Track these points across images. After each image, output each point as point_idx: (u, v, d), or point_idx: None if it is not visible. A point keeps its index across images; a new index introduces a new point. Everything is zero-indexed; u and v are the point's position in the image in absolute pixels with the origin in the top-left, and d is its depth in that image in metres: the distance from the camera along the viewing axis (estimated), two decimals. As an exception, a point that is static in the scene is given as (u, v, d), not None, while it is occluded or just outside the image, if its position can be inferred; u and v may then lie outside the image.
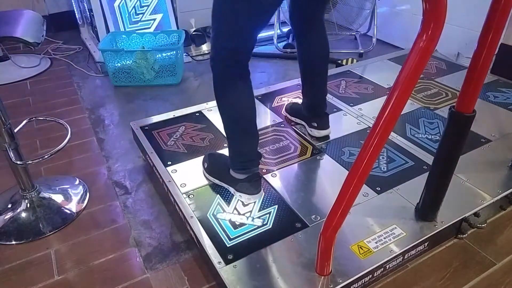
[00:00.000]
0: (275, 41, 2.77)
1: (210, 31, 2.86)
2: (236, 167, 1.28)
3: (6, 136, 1.31)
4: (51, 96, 2.27)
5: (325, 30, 1.47)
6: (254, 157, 1.28)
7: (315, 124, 1.57)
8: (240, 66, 1.15)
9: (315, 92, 1.56)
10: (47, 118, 1.78)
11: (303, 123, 1.65)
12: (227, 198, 1.30)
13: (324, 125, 1.57)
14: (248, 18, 1.06)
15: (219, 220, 1.22)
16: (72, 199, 1.51)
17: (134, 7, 2.57)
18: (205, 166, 1.41)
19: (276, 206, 1.27)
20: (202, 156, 1.47)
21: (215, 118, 1.73)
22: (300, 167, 1.45)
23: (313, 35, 1.45)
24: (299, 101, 1.87)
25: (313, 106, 1.58)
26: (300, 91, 1.62)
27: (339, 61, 2.48)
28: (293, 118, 1.71)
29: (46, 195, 1.48)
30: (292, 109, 1.73)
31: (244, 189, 1.28)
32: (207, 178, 1.39)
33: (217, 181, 1.36)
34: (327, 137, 1.59)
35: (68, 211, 1.45)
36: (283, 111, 1.77)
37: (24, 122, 1.47)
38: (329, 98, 1.89)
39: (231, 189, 1.32)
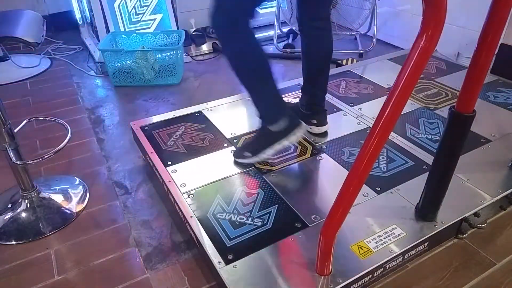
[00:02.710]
0: (275, 41, 2.77)
1: (210, 31, 2.89)
2: (276, 118, 1.32)
3: (6, 136, 1.31)
4: (51, 96, 2.27)
5: (331, 28, 1.47)
6: (283, 101, 1.35)
7: (315, 121, 1.58)
8: (241, 21, 1.18)
9: (316, 89, 1.57)
10: (47, 118, 1.78)
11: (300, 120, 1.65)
12: (227, 198, 1.30)
13: (323, 121, 1.59)
14: None
15: (219, 220, 1.22)
16: (72, 199, 1.51)
17: (134, 7, 2.57)
18: (250, 155, 1.41)
19: (276, 206, 1.27)
20: (203, 156, 1.48)
21: (215, 118, 1.73)
22: (300, 167, 1.45)
23: (319, 32, 1.46)
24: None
25: (313, 103, 1.59)
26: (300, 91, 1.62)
27: (339, 61, 2.48)
28: None
29: (46, 195, 1.48)
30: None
31: (294, 128, 1.34)
32: (261, 162, 1.42)
33: (270, 151, 1.37)
34: (326, 133, 1.60)
35: (68, 211, 1.45)
36: None
37: (24, 122, 1.47)
38: (329, 98, 1.89)
39: (294, 137, 1.35)
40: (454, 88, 1.96)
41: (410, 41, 0.73)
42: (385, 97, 0.78)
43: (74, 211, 1.45)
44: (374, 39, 2.71)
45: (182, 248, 1.29)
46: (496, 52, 1.03)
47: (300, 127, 1.37)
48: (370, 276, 1.09)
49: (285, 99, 1.86)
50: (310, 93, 1.59)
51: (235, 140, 1.58)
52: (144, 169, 1.66)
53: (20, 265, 1.25)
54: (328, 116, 1.61)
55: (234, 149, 1.51)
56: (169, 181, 1.37)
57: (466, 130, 1.04)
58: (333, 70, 2.19)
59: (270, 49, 2.77)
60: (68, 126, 1.52)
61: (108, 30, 2.50)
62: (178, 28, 2.67)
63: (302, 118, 1.60)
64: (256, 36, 1.23)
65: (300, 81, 2.05)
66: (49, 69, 2.59)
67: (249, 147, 1.44)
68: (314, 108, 1.59)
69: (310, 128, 1.59)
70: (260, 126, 1.41)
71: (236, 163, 1.45)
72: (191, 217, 1.22)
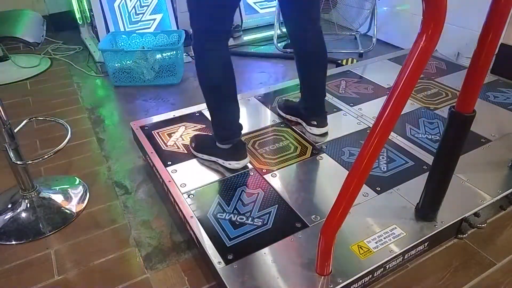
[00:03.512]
0: (275, 41, 2.77)
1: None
2: (220, 138, 1.39)
3: (6, 136, 1.31)
4: (51, 96, 2.27)
5: (321, 29, 1.45)
6: (236, 129, 1.39)
7: (315, 123, 1.58)
8: (216, 42, 1.24)
9: (315, 93, 1.57)
10: (47, 118, 1.78)
11: (299, 121, 1.66)
12: (227, 198, 1.30)
13: (323, 122, 1.59)
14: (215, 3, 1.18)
15: (219, 220, 1.22)
16: (72, 199, 1.51)
17: (134, 7, 2.57)
18: (193, 146, 1.49)
19: (276, 206, 1.27)
20: (201, 156, 1.48)
21: (215, 118, 1.73)
22: (300, 167, 1.45)
23: (308, 35, 1.44)
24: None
25: (312, 106, 1.59)
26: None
27: (339, 61, 2.48)
28: (288, 116, 1.70)
29: (46, 195, 1.48)
30: (287, 106, 1.72)
31: (231, 157, 1.40)
32: (196, 156, 1.47)
33: (206, 157, 1.46)
34: (326, 133, 1.60)
35: (68, 211, 1.45)
36: (276, 108, 1.76)
37: (24, 122, 1.47)
38: (329, 98, 1.89)
39: (220, 161, 1.43)
40: (454, 88, 1.96)
41: (410, 41, 0.73)
42: (385, 97, 0.78)
43: (74, 211, 1.45)
44: (374, 39, 2.71)
45: (182, 248, 1.29)
46: (496, 52, 1.03)
47: (238, 163, 1.41)
48: (370, 276, 1.09)
49: (285, 99, 1.86)
50: (309, 96, 1.59)
51: (235, 140, 1.58)
52: (144, 169, 1.66)
53: (20, 265, 1.25)
54: (328, 116, 1.61)
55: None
56: (169, 181, 1.37)
57: (466, 130, 1.04)
58: (333, 70, 2.19)
59: (270, 49, 2.77)
60: (68, 126, 1.52)
61: (108, 30, 2.50)
62: (178, 28, 2.67)
63: (302, 119, 1.63)
64: (228, 58, 1.28)
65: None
66: (49, 69, 2.60)
67: (198, 140, 1.51)
68: (313, 110, 1.59)
69: (310, 129, 1.59)
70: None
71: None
72: (191, 217, 1.22)
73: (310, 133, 1.60)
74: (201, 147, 1.48)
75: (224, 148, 1.40)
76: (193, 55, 1.31)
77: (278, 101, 1.79)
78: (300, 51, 1.50)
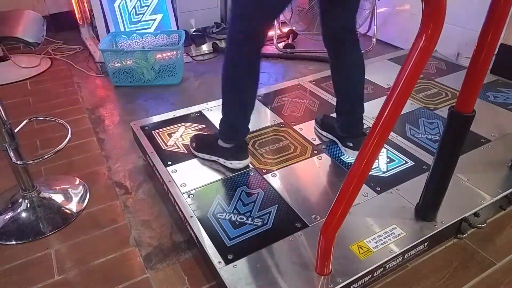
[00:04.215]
0: (275, 41, 2.77)
1: (210, 31, 2.89)
2: (226, 137, 1.38)
3: (6, 136, 1.31)
4: (51, 96, 2.27)
5: (359, 43, 1.37)
6: (245, 131, 1.39)
7: (351, 145, 1.46)
8: (253, 49, 1.21)
9: (352, 111, 1.45)
10: (47, 118, 1.78)
11: (335, 139, 1.55)
12: (227, 198, 1.30)
13: (360, 145, 1.48)
14: (262, 4, 1.14)
15: (219, 220, 1.22)
16: (72, 199, 1.51)
17: (134, 7, 2.57)
18: (193, 145, 1.49)
19: (276, 206, 1.27)
20: (202, 156, 1.48)
21: (215, 118, 1.73)
22: (300, 167, 1.45)
23: (348, 52, 1.37)
24: (299, 102, 1.87)
25: (350, 125, 1.47)
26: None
27: (339, 61, 2.47)
28: (324, 133, 1.60)
29: (46, 195, 1.48)
30: (324, 123, 1.61)
31: (233, 156, 1.39)
32: (197, 156, 1.47)
33: (207, 156, 1.45)
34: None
35: (68, 211, 1.45)
36: (314, 122, 1.66)
37: (24, 122, 1.47)
38: (329, 98, 1.89)
39: (221, 160, 1.42)
40: (454, 88, 1.96)
41: (410, 41, 0.73)
42: (385, 97, 0.78)
43: (74, 211, 1.45)
44: (374, 39, 2.71)
45: (182, 248, 1.29)
46: (495, 52, 1.03)
47: (239, 162, 1.40)
48: (370, 276, 1.09)
49: (285, 99, 1.86)
50: (346, 114, 1.47)
51: (235, 140, 1.58)
52: (144, 169, 1.66)
53: (20, 265, 1.25)
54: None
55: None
56: (169, 181, 1.37)
57: (466, 130, 1.04)
58: (333, 70, 2.19)
59: (270, 49, 2.77)
60: (68, 126, 1.52)
61: (108, 30, 2.50)
62: (178, 28, 2.67)
63: (338, 139, 1.53)
64: (259, 60, 1.25)
65: (300, 81, 2.06)
66: (49, 69, 2.59)
67: (198, 140, 1.50)
68: (350, 131, 1.47)
69: (345, 151, 1.48)
70: (217, 132, 1.43)
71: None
72: (191, 217, 1.23)
73: (343, 153, 1.49)
74: (202, 147, 1.47)
75: (226, 147, 1.39)
76: (232, 44, 1.24)
77: (317, 115, 1.68)
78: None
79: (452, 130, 1.05)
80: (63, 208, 1.47)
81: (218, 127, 1.41)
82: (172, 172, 1.42)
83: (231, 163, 1.40)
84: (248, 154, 1.43)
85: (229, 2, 2.96)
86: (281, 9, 1.25)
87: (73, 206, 1.47)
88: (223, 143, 1.39)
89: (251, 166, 1.44)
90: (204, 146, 1.47)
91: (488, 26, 0.89)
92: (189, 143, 1.53)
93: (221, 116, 1.37)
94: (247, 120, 1.36)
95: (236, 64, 1.25)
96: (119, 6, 2.54)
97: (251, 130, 1.63)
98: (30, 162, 1.37)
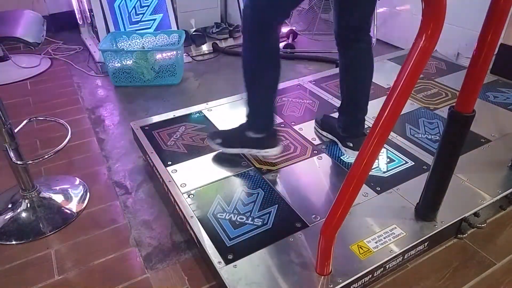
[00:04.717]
0: (275, 41, 2.76)
1: (210, 31, 2.89)
2: (257, 128, 1.39)
3: (6, 136, 1.31)
4: (51, 96, 2.27)
5: (371, 43, 1.39)
6: (274, 118, 1.39)
7: (351, 145, 1.46)
8: (269, 38, 1.22)
9: (356, 111, 1.46)
10: (47, 118, 1.78)
11: (335, 140, 1.55)
12: (227, 198, 1.30)
13: (360, 145, 1.49)
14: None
15: (219, 220, 1.22)
16: (72, 199, 1.51)
17: (134, 7, 2.57)
18: (220, 142, 1.46)
19: (276, 206, 1.27)
20: (203, 156, 1.48)
21: (215, 118, 1.73)
22: (300, 167, 1.45)
23: (360, 53, 1.39)
24: (299, 102, 1.87)
25: (351, 126, 1.48)
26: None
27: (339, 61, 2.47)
28: (324, 133, 1.60)
29: (46, 195, 1.48)
30: (325, 123, 1.61)
31: (267, 145, 1.40)
32: (225, 153, 1.45)
33: (237, 150, 1.45)
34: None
35: (68, 211, 1.45)
36: (314, 122, 1.67)
37: (24, 122, 1.47)
38: (329, 98, 1.89)
39: (254, 151, 1.42)
40: (454, 88, 1.96)
41: (410, 41, 0.73)
42: (385, 97, 0.78)
43: (74, 211, 1.45)
44: (374, 39, 2.71)
45: (182, 248, 1.29)
46: (495, 52, 1.03)
47: (272, 150, 1.42)
48: (370, 276, 1.09)
49: (285, 99, 1.86)
50: (349, 114, 1.47)
51: (235, 140, 1.58)
52: (144, 169, 1.66)
53: (20, 265, 1.25)
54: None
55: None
56: (169, 181, 1.37)
57: (466, 130, 1.04)
58: (332, 70, 2.19)
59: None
60: (68, 126, 1.52)
61: (108, 30, 2.50)
62: (178, 28, 2.67)
63: (338, 139, 1.54)
64: (278, 47, 1.27)
65: (300, 81, 2.06)
66: (49, 69, 2.59)
67: (223, 136, 1.48)
68: (351, 131, 1.48)
69: (345, 151, 1.48)
70: (244, 124, 1.43)
71: (229, 160, 1.47)
72: (191, 217, 1.23)
73: (343, 153, 1.50)
74: (230, 141, 1.45)
75: (258, 137, 1.40)
76: (245, 35, 1.26)
77: (316, 115, 1.70)
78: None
79: (452, 130, 1.05)
80: (63, 208, 1.47)
81: (246, 120, 1.41)
82: (172, 172, 1.42)
83: (266, 152, 1.41)
84: (279, 141, 1.45)
85: (230, 2, 2.97)
86: (295, 5, 1.26)
87: (73, 206, 1.47)
88: (255, 134, 1.39)
89: (251, 166, 1.44)
90: (233, 140, 1.45)
91: (488, 26, 0.89)
92: (209, 141, 1.49)
93: (246, 110, 1.38)
94: (274, 108, 1.38)
95: (255, 55, 1.26)
96: (119, 6, 2.54)
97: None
98: (30, 162, 1.37)
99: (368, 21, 1.38)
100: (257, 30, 1.22)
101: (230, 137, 1.47)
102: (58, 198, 1.50)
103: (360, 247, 1.11)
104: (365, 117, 1.47)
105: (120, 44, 2.45)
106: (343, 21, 1.34)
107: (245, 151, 1.44)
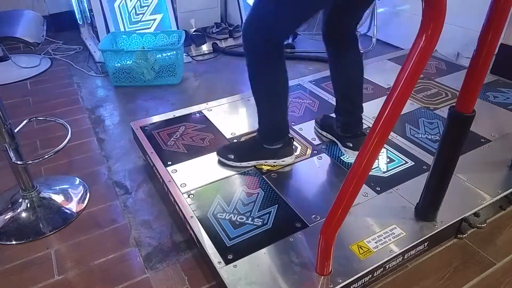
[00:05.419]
0: (275, 41, 2.76)
1: (210, 31, 2.89)
2: (273, 140, 1.39)
3: (6, 136, 1.31)
4: (51, 96, 2.27)
5: (359, 45, 1.41)
6: (286, 127, 1.39)
7: (351, 145, 1.46)
8: (274, 46, 1.19)
9: (352, 111, 1.46)
10: (47, 118, 1.78)
11: (335, 140, 1.55)
12: (227, 198, 1.30)
13: (360, 145, 1.48)
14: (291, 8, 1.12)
15: (219, 220, 1.22)
16: (72, 199, 1.51)
17: (134, 7, 2.57)
18: (233, 157, 1.43)
19: (276, 206, 1.27)
20: (203, 156, 1.48)
21: (215, 118, 1.73)
22: (300, 167, 1.45)
23: (349, 51, 1.39)
24: (299, 102, 1.87)
25: (349, 126, 1.48)
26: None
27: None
28: (324, 133, 1.60)
29: (46, 195, 1.48)
30: (324, 123, 1.62)
31: (284, 154, 1.41)
32: (240, 167, 1.43)
33: (253, 162, 1.43)
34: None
35: (68, 211, 1.45)
36: (314, 122, 1.67)
37: (24, 122, 1.47)
38: (329, 98, 1.89)
39: (271, 161, 1.42)
40: (454, 88, 1.96)
41: (410, 41, 0.73)
42: (385, 97, 0.78)
43: (74, 211, 1.45)
44: (374, 39, 2.71)
45: (182, 248, 1.29)
46: (496, 52, 1.03)
47: (290, 157, 1.43)
48: (370, 276, 1.09)
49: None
50: (345, 114, 1.47)
51: (235, 140, 1.58)
52: (144, 169, 1.66)
53: (20, 265, 1.25)
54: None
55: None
56: (169, 181, 1.37)
57: (466, 130, 1.04)
58: (333, 70, 2.19)
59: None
60: (68, 126, 1.52)
61: (108, 30, 2.50)
62: (178, 28, 2.67)
63: (338, 139, 1.54)
64: (283, 59, 1.24)
65: (300, 81, 2.06)
66: (49, 69, 2.59)
67: (236, 151, 1.45)
68: (350, 131, 1.47)
69: (345, 151, 1.48)
70: (257, 136, 1.42)
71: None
72: (191, 217, 1.23)
73: (345, 156, 1.49)
74: (245, 156, 1.43)
75: (275, 148, 1.40)
76: (255, 54, 1.22)
77: (317, 116, 1.69)
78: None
79: (452, 130, 1.05)
80: (63, 208, 1.47)
81: (259, 133, 1.40)
82: (172, 172, 1.42)
83: (283, 161, 1.42)
84: (293, 146, 1.45)
85: (230, 2, 2.97)
86: (307, 19, 1.24)
87: (73, 206, 1.47)
88: (272, 145, 1.39)
89: (250, 166, 1.44)
90: (248, 154, 1.43)
91: (488, 26, 0.89)
92: (222, 158, 1.45)
93: (258, 124, 1.38)
94: (287, 117, 1.37)
95: (263, 70, 1.24)
96: (119, 6, 2.54)
97: (250, 130, 1.64)
98: (30, 162, 1.37)
99: (357, 21, 1.40)
100: (262, 45, 1.18)
101: (244, 151, 1.44)
102: (58, 198, 1.50)
103: (360, 247, 1.11)
104: (365, 117, 1.47)
105: (120, 44, 2.45)
106: (334, 21, 1.34)
107: (261, 162, 1.43)
